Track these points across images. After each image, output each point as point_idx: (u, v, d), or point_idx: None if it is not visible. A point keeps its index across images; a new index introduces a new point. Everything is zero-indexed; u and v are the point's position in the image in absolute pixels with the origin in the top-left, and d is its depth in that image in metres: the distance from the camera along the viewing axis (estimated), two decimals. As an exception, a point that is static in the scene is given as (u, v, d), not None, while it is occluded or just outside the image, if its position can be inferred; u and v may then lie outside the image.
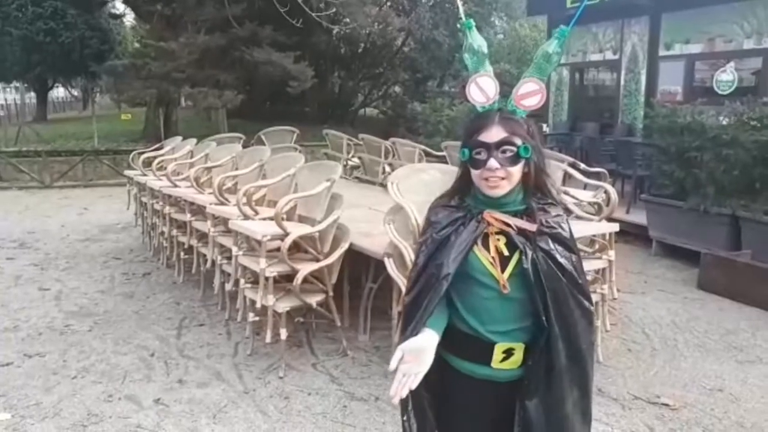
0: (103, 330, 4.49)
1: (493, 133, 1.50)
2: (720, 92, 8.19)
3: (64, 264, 6.30)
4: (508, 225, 1.52)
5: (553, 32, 1.57)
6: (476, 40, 1.58)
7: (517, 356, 1.55)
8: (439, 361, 1.59)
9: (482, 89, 1.56)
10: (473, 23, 1.59)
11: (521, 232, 1.52)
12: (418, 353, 1.47)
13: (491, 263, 1.52)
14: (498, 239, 1.53)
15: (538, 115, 11.10)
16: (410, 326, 1.56)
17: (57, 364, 3.91)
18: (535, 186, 1.57)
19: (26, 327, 4.56)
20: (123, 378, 3.71)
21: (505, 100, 1.58)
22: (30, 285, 5.61)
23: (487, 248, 1.53)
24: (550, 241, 1.53)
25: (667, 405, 3.36)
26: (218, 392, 3.52)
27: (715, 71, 8.42)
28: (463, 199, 1.61)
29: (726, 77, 8.23)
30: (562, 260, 1.53)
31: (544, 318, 1.49)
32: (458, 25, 1.60)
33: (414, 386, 1.42)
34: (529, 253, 1.51)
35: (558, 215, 1.58)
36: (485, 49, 1.59)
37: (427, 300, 1.54)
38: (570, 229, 1.60)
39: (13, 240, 7.35)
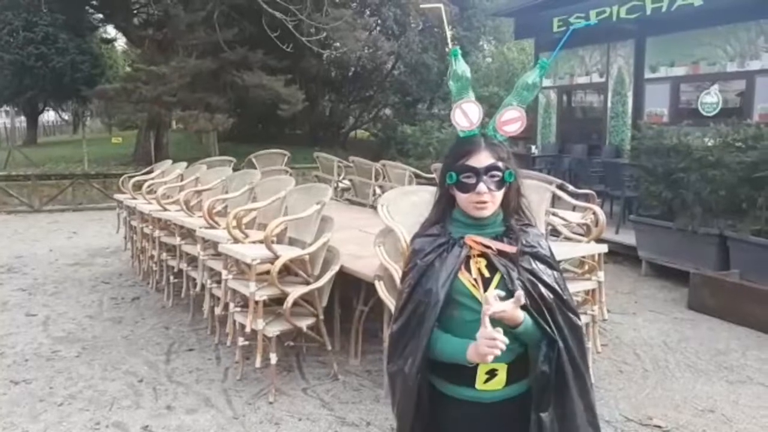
0: (91, 356, 4.44)
1: (482, 158, 1.57)
2: (705, 114, 8.31)
3: (52, 289, 6.24)
4: (489, 247, 1.57)
5: (539, 62, 1.64)
6: (461, 66, 1.64)
7: (501, 376, 1.58)
8: (426, 384, 1.60)
9: (466, 114, 1.63)
10: (459, 51, 1.66)
11: (501, 254, 1.57)
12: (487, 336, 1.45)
13: (473, 285, 1.56)
14: (478, 261, 1.58)
15: (527, 137, 11.20)
16: (402, 354, 1.59)
17: (44, 392, 3.85)
18: (513, 207, 1.64)
19: (12, 353, 4.50)
20: (111, 405, 3.66)
21: (484, 125, 1.64)
22: (17, 310, 5.54)
23: (469, 271, 1.58)
24: (531, 260, 1.60)
25: (659, 427, 3.35)
26: (207, 418, 3.48)
27: (700, 93, 8.56)
28: (445, 226, 1.66)
29: (710, 99, 8.37)
30: (545, 278, 1.59)
31: (549, 328, 1.53)
32: (446, 49, 1.65)
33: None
34: (512, 273, 1.55)
35: (536, 235, 1.66)
36: (468, 74, 1.66)
37: (422, 329, 1.57)
38: (549, 246, 1.67)
39: (1, 265, 7.27)
